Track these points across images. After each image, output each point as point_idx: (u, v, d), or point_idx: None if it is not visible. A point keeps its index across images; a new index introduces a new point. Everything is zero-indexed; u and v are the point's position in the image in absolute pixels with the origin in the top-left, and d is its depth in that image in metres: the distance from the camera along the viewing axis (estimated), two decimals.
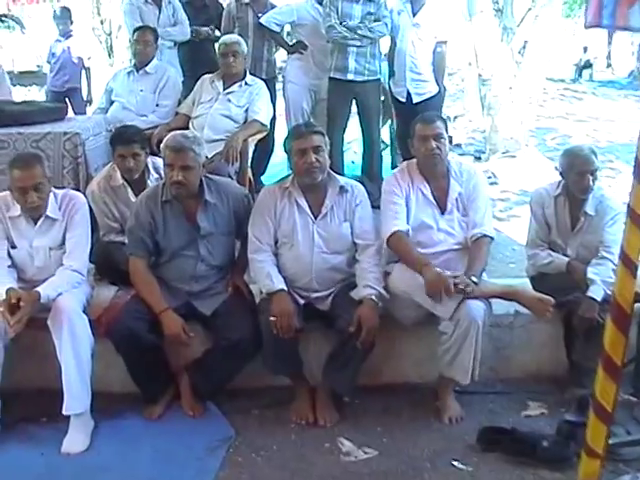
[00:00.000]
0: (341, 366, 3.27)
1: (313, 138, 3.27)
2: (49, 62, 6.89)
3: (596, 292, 3.32)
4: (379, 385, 3.57)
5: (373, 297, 3.22)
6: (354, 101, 5.65)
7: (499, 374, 3.69)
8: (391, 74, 5.74)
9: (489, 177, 7.22)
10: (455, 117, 11.57)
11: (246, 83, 4.88)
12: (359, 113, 5.76)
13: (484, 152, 8.48)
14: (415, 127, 3.40)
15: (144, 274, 3.36)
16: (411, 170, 3.47)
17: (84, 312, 3.24)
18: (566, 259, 3.59)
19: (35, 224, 3.30)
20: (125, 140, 3.81)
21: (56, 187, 3.48)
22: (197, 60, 5.68)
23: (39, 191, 3.17)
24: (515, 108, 8.36)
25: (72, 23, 6.97)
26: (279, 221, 3.38)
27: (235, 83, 4.85)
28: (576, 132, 10.23)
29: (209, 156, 4.64)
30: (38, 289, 3.11)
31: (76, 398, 3.11)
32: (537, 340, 3.68)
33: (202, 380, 3.36)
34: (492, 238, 3.39)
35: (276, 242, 3.40)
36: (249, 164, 4.94)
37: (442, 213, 3.41)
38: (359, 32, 5.33)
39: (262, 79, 5.45)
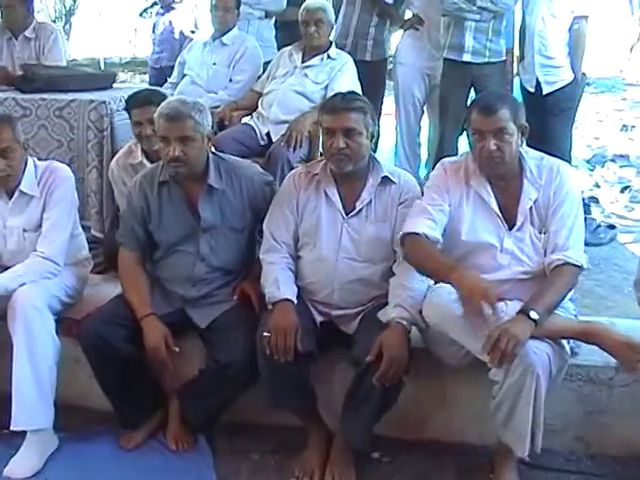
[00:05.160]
0: (354, 409, 2.63)
1: (347, 117, 2.68)
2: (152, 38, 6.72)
3: None
4: (422, 441, 2.93)
5: (403, 320, 2.57)
6: (472, 88, 4.92)
7: (589, 447, 2.87)
8: (522, 57, 4.97)
9: None
10: (633, 127, 10.37)
11: (329, 56, 4.31)
12: None
13: None
14: (471, 115, 2.64)
15: (131, 270, 2.91)
16: (469, 165, 2.71)
17: (55, 310, 2.87)
18: None
19: (10, 200, 2.93)
20: (140, 101, 3.33)
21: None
22: (295, 40, 5.15)
23: (8, 158, 2.81)
24: None
25: None
26: (302, 215, 2.82)
27: (316, 56, 4.30)
28: None
29: (273, 140, 4.18)
30: None
31: (28, 412, 2.72)
32: None
33: (190, 407, 2.88)
34: (581, 267, 2.55)
35: (297, 242, 2.84)
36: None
37: (510, 228, 2.64)
38: (478, 3, 4.62)
39: (364, 61, 4.91)
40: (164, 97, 3.23)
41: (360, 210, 2.76)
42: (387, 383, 2.50)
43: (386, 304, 2.69)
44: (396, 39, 5.63)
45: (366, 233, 2.74)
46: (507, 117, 2.55)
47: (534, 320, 2.34)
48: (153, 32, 6.66)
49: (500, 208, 2.65)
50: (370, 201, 2.76)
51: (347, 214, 2.77)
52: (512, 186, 2.65)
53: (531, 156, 2.69)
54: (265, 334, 2.57)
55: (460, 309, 2.44)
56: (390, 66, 5.55)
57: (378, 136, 5.18)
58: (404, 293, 2.62)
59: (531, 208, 2.62)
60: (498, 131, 2.55)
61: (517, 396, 2.36)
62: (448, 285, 2.51)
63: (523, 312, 2.37)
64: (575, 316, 2.65)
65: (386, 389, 2.52)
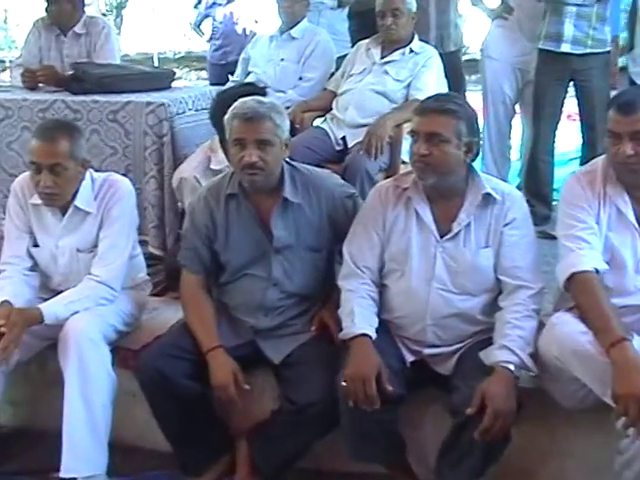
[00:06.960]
0: (453, 464, 2.45)
1: (433, 120, 2.48)
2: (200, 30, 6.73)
3: None
4: None
5: (510, 365, 2.37)
6: (572, 82, 4.72)
7: None
8: (630, 47, 4.73)
9: None
10: None
11: (411, 50, 4.13)
12: (578, 99, 4.82)
13: None
14: (608, 114, 2.45)
15: (195, 295, 2.79)
16: (606, 173, 2.51)
17: (111, 340, 2.79)
18: None
19: (63, 217, 2.83)
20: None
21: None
22: (371, 32, 4.98)
23: (56, 174, 2.68)
24: None
25: None
26: (389, 236, 2.63)
27: (397, 50, 4.13)
28: None
29: (349, 145, 4.03)
30: (42, 305, 2.67)
31: (80, 457, 2.63)
32: None
33: (262, 452, 2.73)
34: None
35: (382, 268, 2.65)
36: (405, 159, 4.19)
37: None
38: None
39: (448, 53, 4.77)
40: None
41: (457, 233, 2.55)
42: (491, 439, 2.31)
43: (488, 340, 2.51)
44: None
45: (464, 260, 2.54)
46: None
47: None
48: (197, 25, 6.75)
49: (638, 221, 2.45)
50: (469, 223, 2.56)
51: (441, 237, 2.57)
52: None
53: None
54: (342, 384, 2.40)
55: (589, 343, 2.24)
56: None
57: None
58: (512, 332, 2.42)
59: None
60: (636, 133, 2.35)
61: None
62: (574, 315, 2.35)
63: None
64: None
65: (488, 444, 2.33)
